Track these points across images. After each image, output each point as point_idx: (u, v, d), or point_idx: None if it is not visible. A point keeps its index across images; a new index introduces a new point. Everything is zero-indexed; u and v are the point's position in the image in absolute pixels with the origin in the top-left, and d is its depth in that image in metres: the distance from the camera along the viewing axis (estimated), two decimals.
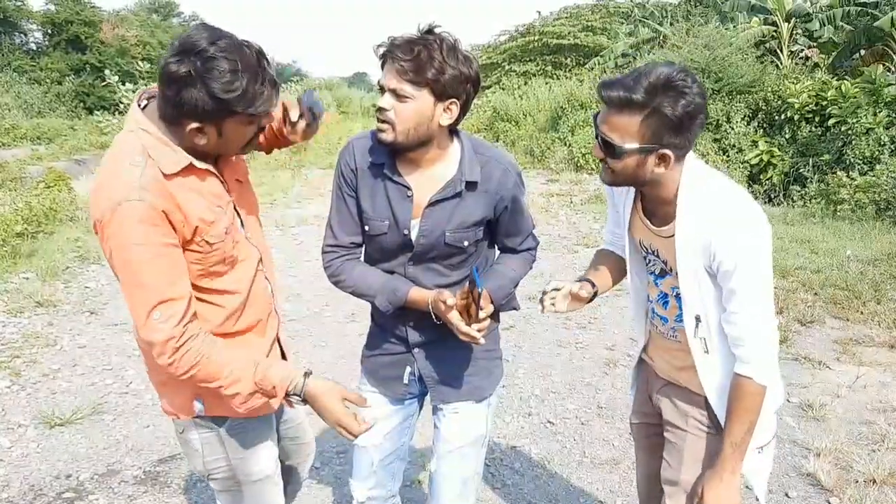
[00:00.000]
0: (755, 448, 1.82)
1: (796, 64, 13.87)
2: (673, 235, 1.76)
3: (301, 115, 2.01)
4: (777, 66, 13.78)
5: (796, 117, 11.21)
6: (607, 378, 4.40)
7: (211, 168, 1.71)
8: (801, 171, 10.55)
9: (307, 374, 1.73)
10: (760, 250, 1.67)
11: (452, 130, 1.94)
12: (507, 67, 22.50)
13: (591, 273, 2.09)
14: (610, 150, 1.67)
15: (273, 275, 2.00)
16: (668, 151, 1.64)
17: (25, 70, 34.88)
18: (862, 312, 5.34)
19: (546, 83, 18.67)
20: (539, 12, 24.50)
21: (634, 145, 1.64)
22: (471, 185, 1.91)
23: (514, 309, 2.17)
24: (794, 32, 15.25)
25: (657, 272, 1.92)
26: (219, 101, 1.53)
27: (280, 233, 8.55)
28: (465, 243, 1.96)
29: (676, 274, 1.80)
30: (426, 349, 2.07)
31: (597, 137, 1.71)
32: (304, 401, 1.72)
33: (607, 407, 4.01)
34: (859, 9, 14.50)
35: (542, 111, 16.83)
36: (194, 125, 1.57)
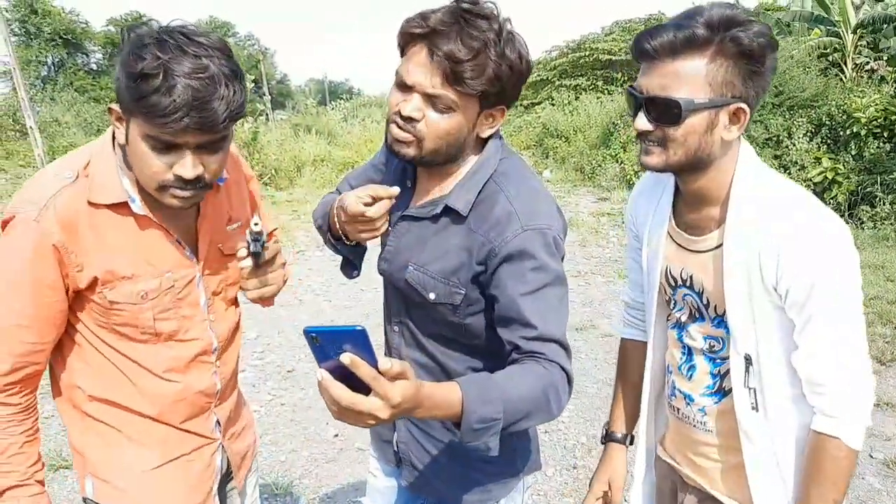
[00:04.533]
0: None
1: (861, 77, 13.17)
2: (717, 247, 1.35)
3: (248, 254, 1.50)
4: (841, 79, 13.10)
5: (863, 132, 10.56)
6: None
7: (152, 217, 1.39)
8: (868, 189, 9.90)
9: None
10: (848, 262, 1.25)
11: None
12: (557, 83, 22.07)
13: (617, 411, 1.69)
14: (669, 112, 1.24)
15: (231, 386, 1.66)
16: (743, 105, 1.25)
17: (86, 89, 36.03)
18: None
19: (597, 98, 18.22)
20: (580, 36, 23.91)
21: (703, 98, 1.22)
22: (453, 214, 1.39)
23: (488, 449, 1.18)
24: (859, 44, 14.51)
25: (683, 319, 1.48)
26: (119, 76, 1.23)
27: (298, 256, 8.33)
28: (432, 296, 1.39)
29: (716, 308, 1.38)
30: (409, 421, 1.60)
31: (639, 108, 1.28)
32: None
33: None
34: None
35: (593, 127, 16.39)
36: (114, 105, 1.31)
